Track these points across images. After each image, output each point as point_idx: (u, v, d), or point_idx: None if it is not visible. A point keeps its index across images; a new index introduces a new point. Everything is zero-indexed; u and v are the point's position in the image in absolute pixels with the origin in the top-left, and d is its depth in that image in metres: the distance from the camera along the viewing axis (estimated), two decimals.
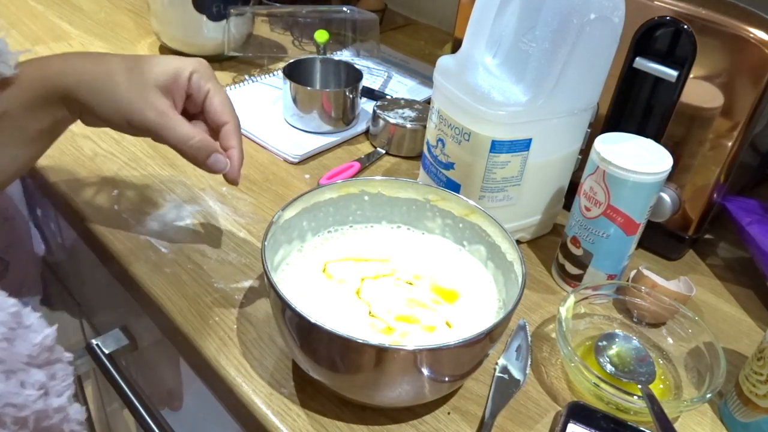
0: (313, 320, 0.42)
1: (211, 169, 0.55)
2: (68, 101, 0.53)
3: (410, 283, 0.54)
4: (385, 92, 0.96)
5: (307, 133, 0.84)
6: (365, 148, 0.84)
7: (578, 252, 0.62)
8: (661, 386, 0.55)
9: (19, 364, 0.27)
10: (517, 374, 0.54)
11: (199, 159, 0.55)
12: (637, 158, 0.56)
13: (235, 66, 1.00)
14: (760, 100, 0.59)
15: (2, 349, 0.27)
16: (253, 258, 0.63)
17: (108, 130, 0.57)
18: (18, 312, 0.28)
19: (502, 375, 0.54)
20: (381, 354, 0.42)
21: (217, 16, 0.94)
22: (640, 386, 0.51)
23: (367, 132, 0.87)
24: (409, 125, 0.81)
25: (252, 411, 0.50)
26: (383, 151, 0.83)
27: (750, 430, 0.50)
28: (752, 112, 0.59)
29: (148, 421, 0.66)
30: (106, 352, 0.70)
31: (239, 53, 0.99)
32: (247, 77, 0.96)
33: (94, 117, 0.54)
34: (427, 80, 1.00)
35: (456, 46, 0.71)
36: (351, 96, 0.84)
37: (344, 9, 1.00)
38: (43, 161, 0.69)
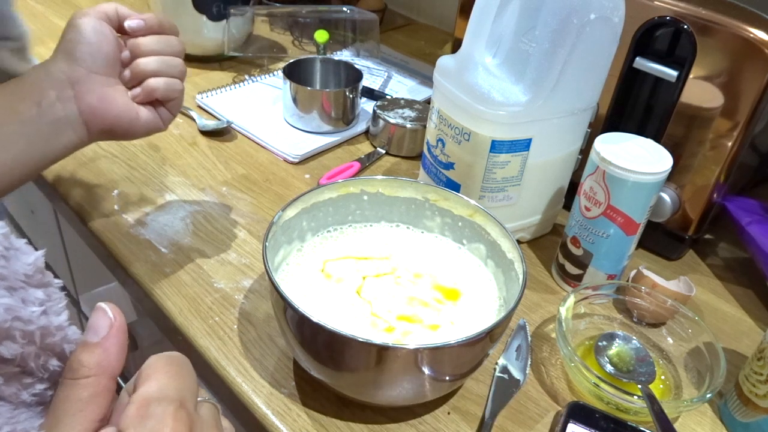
0: (315, 319, 0.42)
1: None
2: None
3: (411, 282, 0.54)
4: (385, 92, 0.96)
5: (307, 133, 0.84)
6: (365, 148, 0.84)
7: (578, 252, 0.62)
8: (661, 386, 0.55)
9: (18, 282, 0.28)
10: (517, 374, 0.54)
11: None
12: (637, 158, 0.56)
13: (235, 66, 1.00)
14: (760, 100, 0.59)
15: (2, 266, 0.28)
16: (253, 258, 0.63)
17: None
18: (7, 233, 0.29)
19: (502, 375, 0.54)
20: (382, 353, 0.42)
21: (217, 16, 0.94)
22: (640, 386, 0.51)
23: (367, 132, 0.87)
24: (409, 125, 0.81)
25: (252, 411, 0.50)
26: (383, 151, 0.83)
27: (750, 430, 0.50)
28: (752, 112, 0.59)
29: None
30: None
31: (239, 53, 0.99)
32: (247, 77, 0.96)
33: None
34: (427, 80, 1.00)
35: (456, 46, 0.71)
36: (351, 96, 0.84)
37: (344, 9, 1.00)
38: None
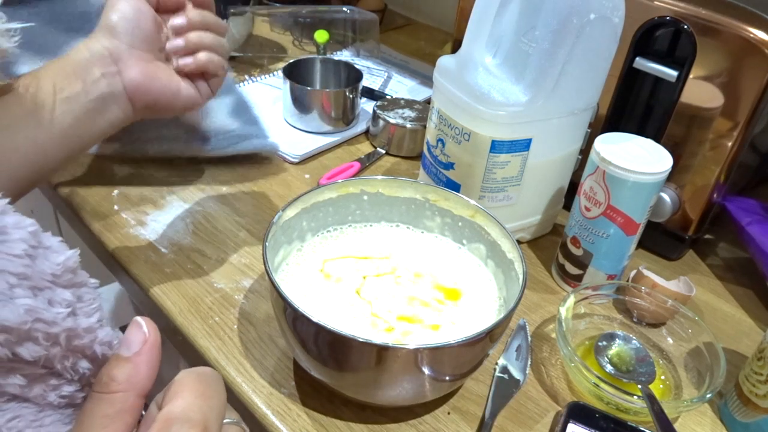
0: (315, 319, 0.42)
1: None
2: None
3: (412, 282, 0.54)
4: (385, 92, 0.96)
5: (307, 133, 0.84)
6: (365, 148, 0.84)
7: (578, 252, 0.62)
8: (661, 386, 0.55)
9: (44, 282, 0.27)
10: (517, 374, 0.54)
11: None
12: (637, 158, 0.56)
13: (235, 66, 1.00)
14: (760, 100, 0.59)
15: (26, 265, 0.26)
16: (253, 258, 0.63)
17: None
18: (37, 231, 0.27)
19: (502, 375, 0.54)
20: (382, 353, 0.42)
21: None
22: (640, 386, 0.51)
23: (367, 132, 0.87)
24: (409, 125, 0.81)
25: (252, 411, 0.50)
26: (383, 151, 0.83)
27: (750, 430, 0.50)
28: (752, 112, 0.59)
29: None
30: None
31: (239, 53, 0.99)
32: (247, 77, 0.96)
33: None
34: (427, 80, 1.00)
35: (456, 46, 0.71)
36: (351, 96, 0.84)
37: (344, 9, 1.00)
38: None
